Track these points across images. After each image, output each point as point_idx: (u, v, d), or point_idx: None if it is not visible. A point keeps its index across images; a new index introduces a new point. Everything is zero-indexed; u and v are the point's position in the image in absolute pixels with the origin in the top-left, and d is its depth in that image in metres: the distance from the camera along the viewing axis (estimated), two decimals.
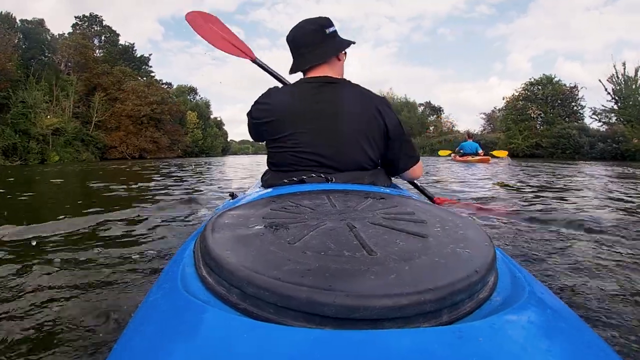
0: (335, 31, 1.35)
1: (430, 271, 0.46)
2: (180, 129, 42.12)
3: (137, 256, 1.64)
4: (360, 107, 1.26)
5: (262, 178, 1.38)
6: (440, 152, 20.88)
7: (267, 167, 1.37)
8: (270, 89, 1.36)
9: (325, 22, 1.34)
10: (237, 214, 0.69)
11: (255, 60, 2.40)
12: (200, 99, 61.23)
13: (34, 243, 1.84)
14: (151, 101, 38.03)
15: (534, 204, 3.49)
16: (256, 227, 0.60)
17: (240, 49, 2.47)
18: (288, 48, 1.38)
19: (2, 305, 1.17)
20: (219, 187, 4.19)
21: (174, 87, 54.06)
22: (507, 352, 0.38)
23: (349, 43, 1.37)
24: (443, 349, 0.36)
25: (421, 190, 2.15)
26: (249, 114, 1.35)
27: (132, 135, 36.92)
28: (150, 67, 48.44)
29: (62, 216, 2.41)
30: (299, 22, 1.36)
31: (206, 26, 2.29)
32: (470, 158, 13.41)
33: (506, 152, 17.61)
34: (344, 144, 1.23)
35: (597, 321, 1.22)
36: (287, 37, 1.37)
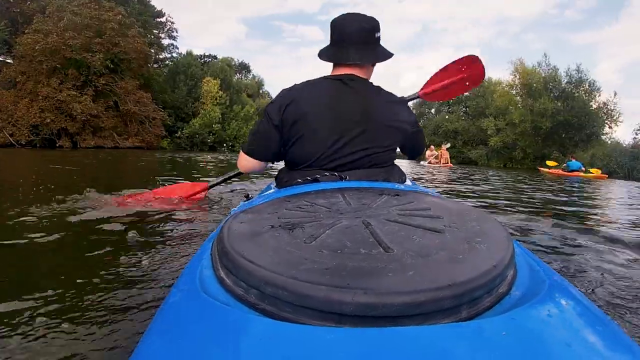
0: (380, 37, 1.34)
1: (448, 267, 0.45)
2: (146, 98, 23.99)
3: (155, 258, 1.66)
4: (381, 107, 1.27)
5: (276, 178, 1.39)
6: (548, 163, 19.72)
7: (280, 168, 1.38)
8: (290, 88, 1.31)
9: (377, 26, 1.32)
10: (252, 214, 0.70)
11: (208, 188, 2.85)
12: (253, 77, 46.69)
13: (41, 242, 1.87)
14: (95, 29, 20.57)
15: None
16: (272, 228, 0.61)
17: (194, 193, 2.85)
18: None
19: (12, 302, 1.19)
20: (232, 188, 4.21)
21: (219, 58, 36.94)
22: (527, 346, 0.37)
23: (390, 55, 1.36)
24: (463, 345, 0.36)
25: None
26: (267, 113, 1.29)
27: (45, 99, 19.56)
28: (166, 27, 32.85)
29: (72, 215, 2.45)
30: (353, 14, 1.33)
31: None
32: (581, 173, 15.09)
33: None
34: (367, 144, 1.24)
35: (622, 316, 1.19)
36: (335, 22, 1.32)
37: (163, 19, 33.20)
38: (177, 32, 34.58)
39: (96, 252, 1.74)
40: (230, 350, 0.39)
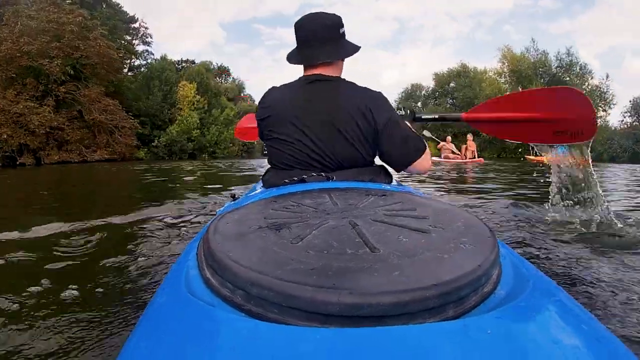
0: (344, 32, 1.34)
1: (434, 267, 0.46)
2: (114, 105, 22.03)
3: (140, 260, 1.64)
4: (353, 104, 1.25)
5: (262, 178, 1.38)
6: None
7: (267, 168, 1.38)
8: (270, 89, 1.36)
9: (341, 21, 1.32)
10: (239, 215, 0.69)
11: None
12: (233, 80, 44.72)
13: (28, 246, 1.84)
14: (53, 33, 18.78)
15: None
16: (258, 228, 0.60)
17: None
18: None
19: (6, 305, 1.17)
20: (219, 188, 4.19)
21: (197, 63, 35.78)
22: (513, 344, 0.38)
23: (358, 48, 1.36)
24: (449, 344, 0.36)
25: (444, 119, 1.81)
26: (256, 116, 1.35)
27: (0, 113, 17.50)
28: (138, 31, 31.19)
29: (59, 219, 2.41)
30: (314, 13, 1.33)
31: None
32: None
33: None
34: (340, 142, 1.23)
35: (604, 313, 1.22)
36: (298, 24, 1.33)
37: (136, 25, 31.53)
38: (151, 37, 32.93)
39: (82, 255, 1.72)
40: (215, 351, 0.38)
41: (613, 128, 24.08)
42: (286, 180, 1.19)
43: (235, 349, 0.38)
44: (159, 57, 31.48)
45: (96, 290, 1.32)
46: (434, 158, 15.03)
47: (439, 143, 15.66)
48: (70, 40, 19.20)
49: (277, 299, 0.42)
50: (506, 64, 27.90)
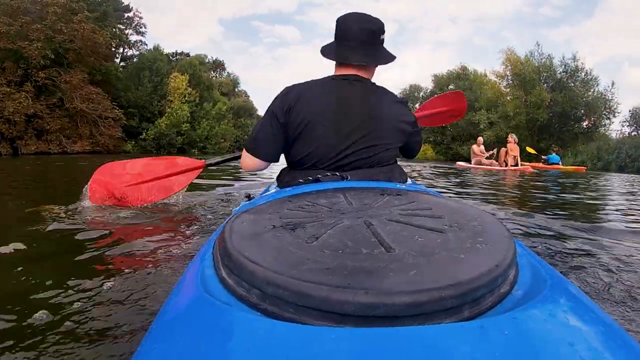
0: (384, 39, 1.33)
1: (450, 267, 0.45)
2: (97, 93, 20.45)
3: (156, 259, 1.66)
4: (388, 108, 1.28)
5: (277, 178, 1.39)
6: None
7: (282, 168, 1.38)
8: (293, 85, 1.30)
9: (383, 27, 1.31)
10: (254, 214, 0.70)
11: (207, 166, 2.62)
12: (228, 74, 44.00)
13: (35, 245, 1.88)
14: (36, 14, 17.58)
15: None
16: (274, 228, 0.61)
17: (186, 171, 2.57)
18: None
19: (18, 304, 1.20)
20: (235, 188, 4.22)
21: (192, 56, 34.77)
22: (529, 346, 0.37)
23: (393, 58, 1.35)
24: (465, 345, 0.36)
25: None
26: (273, 112, 1.28)
27: None
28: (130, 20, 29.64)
29: (65, 213, 2.45)
30: (360, 13, 1.31)
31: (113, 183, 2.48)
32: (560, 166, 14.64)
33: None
34: (372, 143, 1.24)
35: (621, 314, 1.19)
36: (341, 19, 1.31)
37: (130, 14, 30.11)
38: (145, 27, 31.44)
39: (96, 252, 1.74)
40: (231, 350, 0.39)
41: (615, 137, 23.28)
42: (301, 180, 1.19)
43: (250, 348, 0.38)
44: (152, 48, 29.73)
45: (112, 289, 1.34)
46: (460, 163, 13.55)
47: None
48: (53, 22, 17.75)
49: (292, 299, 0.42)
50: (509, 67, 27.05)
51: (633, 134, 23.76)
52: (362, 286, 0.41)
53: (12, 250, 1.73)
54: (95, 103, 20.39)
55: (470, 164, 12.57)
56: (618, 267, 1.60)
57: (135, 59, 29.67)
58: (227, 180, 4.96)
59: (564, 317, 0.43)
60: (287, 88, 1.30)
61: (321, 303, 0.40)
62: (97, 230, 2.14)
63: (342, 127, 1.22)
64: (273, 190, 1.29)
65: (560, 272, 0.59)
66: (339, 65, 1.33)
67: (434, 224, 0.60)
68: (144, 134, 25.37)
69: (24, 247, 1.78)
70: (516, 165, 12.09)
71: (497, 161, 12.43)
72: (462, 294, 0.41)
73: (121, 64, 29.09)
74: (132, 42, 31.04)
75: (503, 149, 12.39)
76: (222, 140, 31.21)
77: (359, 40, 1.27)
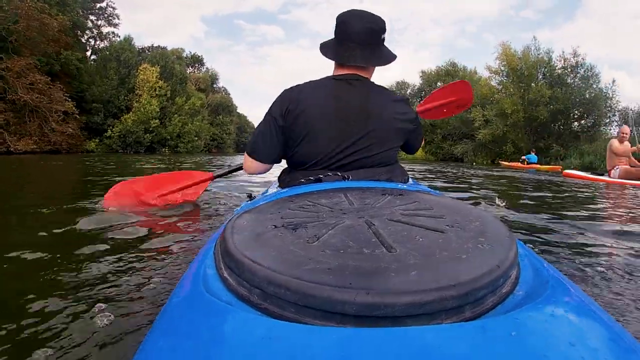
0: (385, 38, 1.31)
1: (452, 267, 0.45)
2: (45, 82, 17.43)
3: (157, 259, 1.67)
4: (388, 107, 1.27)
5: (279, 178, 1.39)
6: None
7: (283, 168, 1.38)
8: (294, 87, 1.30)
9: (385, 27, 1.28)
10: (255, 214, 0.70)
11: (214, 178, 2.69)
12: (207, 70, 41.98)
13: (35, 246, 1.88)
14: None
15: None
16: (275, 227, 0.61)
17: (196, 183, 2.65)
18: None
19: (18, 307, 1.20)
20: (236, 188, 4.22)
21: (169, 50, 32.60)
22: (531, 346, 0.37)
23: (394, 57, 1.33)
24: (467, 345, 0.36)
25: None
26: (271, 114, 1.28)
27: None
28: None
29: (68, 217, 2.46)
30: (361, 11, 1.28)
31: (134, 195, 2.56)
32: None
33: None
34: (372, 143, 1.24)
35: (623, 315, 1.19)
36: (342, 18, 1.27)
37: (103, 4, 27.92)
38: (118, 18, 28.98)
39: (96, 252, 1.75)
40: (232, 349, 0.39)
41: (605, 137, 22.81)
42: (302, 180, 1.19)
43: (252, 347, 0.38)
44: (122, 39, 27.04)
45: (112, 288, 1.34)
46: (599, 177, 7.93)
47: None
48: None
49: (293, 298, 0.42)
50: (505, 61, 26.35)
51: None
52: (364, 286, 0.41)
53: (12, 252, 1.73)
54: (43, 94, 17.31)
55: (614, 177, 7.34)
56: (621, 268, 1.60)
57: (106, 52, 27.08)
58: (228, 180, 4.96)
59: (566, 317, 0.42)
60: (285, 90, 1.29)
61: (322, 303, 0.40)
62: (97, 230, 2.15)
63: (342, 127, 1.22)
64: (274, 190, 1.29)
65: (562, 273, 0.59)
66: (338, 65, 1.32)
67: (435, 224, 0.60)
68: (109, 131, 23.25)
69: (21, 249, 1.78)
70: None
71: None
72: (464, 294, 0.41)
73: (92, 57, 26.97)
74: (105, 33, 28.72)
75: None
76: (196, 138, 28.93)
77: (360, 40, 1.24)
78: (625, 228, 2.43)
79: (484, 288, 0.43)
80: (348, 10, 1.29)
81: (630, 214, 3.26)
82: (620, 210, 3.62)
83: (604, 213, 3.40)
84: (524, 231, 2.31)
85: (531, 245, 1.93)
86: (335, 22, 1.30)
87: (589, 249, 1.92)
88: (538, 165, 15.89)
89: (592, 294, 1.33)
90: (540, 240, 2.09)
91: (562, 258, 1.74)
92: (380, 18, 1.29)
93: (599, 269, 1.58)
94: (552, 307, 0.43)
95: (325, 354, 0.36)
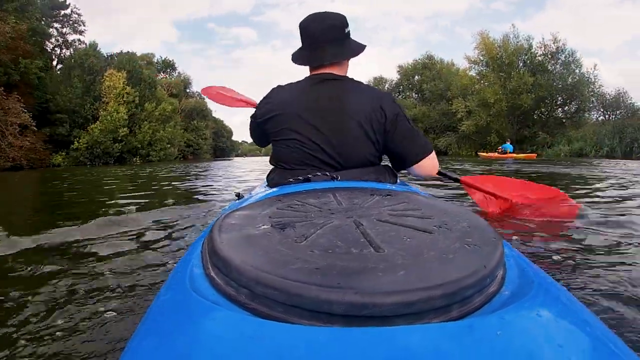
0: (349, 31, 1.33)
1: (439, 267, 0.46)
2: None
3: (146, 258, 1.65)
4: (363, 103, 1.25)
5: (267, 177, 1.39)
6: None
7: (272, 166, 1.38)
8: (274, 88, 1.36)
9: (346, 21, 1.31)
10: (243, 214, 0.69)
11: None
12: (179, 74, 40.79)
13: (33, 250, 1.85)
14: None
15: None
16: (263, 227, 0.60)
17: (247, 102, 2.53)
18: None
19: (10, 313, 1.18)
20: (224, 188, 4.20)
21: (139, 55, 31.08)
22: (518, 345, 0.37)
23: (363, 47, 1.36)
24: (454, 344, 0.36)
25: (444, 175, 1.78)
26: (252, 115, 1.40)
27: None
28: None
29: (61, 221, 2.43)
30: (319, 13, 1.31)
31: (218, 95, 2.49)
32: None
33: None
34: (348, 141, 1.23)
35: (607, 314, 1.21)
36: (303, 25, 1.31)
37: (67, 11, 26.61)
38: (84, 25, 27.82)
39: (84, 250, 1.73)
40: (219, 349, 0.38)
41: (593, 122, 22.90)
42: (291, 180, 1.19)
43: (239, 347, 0.38)
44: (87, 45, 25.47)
45: (100, 288, 1.32)
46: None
47: None
48: None
49: (281, 298, 0.42)
50: (484, 51, 26.09)
51: (600, 118, 23.31)
52: (352, 286, 0.41)
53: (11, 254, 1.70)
54: None
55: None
56: (604, 267, 1.62)
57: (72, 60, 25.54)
58: (217, 179, 4.93)
59: (551, 317, 0.43)
60: (271, 90, 1.36)
61: (310, 303, 0.40)
62: (85, 229, 2.12)
63: (318, 126, 1.23)
64: (263, 190, 1.29)
65: (547, 273, 0.60)
66: (313, 68, 1.34)
67: (423, 224, 0.61)
68: (75, 142, 21.83)
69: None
70: None
71: None
72: (451, 294, 0.41)
73: (58, 66, 25.76)
74: (70, 41, 27.48)
75: None
76: (169, 145, 27.17)
77: (326, 39, 1.28)
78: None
79: (470, 287, 0.43)
80: (306, 17, 1.33)
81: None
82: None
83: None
84: (510, 231, 2.34)
85: (518, 245, 1.96)
86: (299, 31, 1.33)
87: (574, 246, 1.95)
88: (514, 155, 16.46)
89: (576, 292, 1.35)
90: (527, 239, 2.12)
91: (548, 257, 1.77)
92: (338, 14, 1.32)
93: (584, 267, 1.61)
94: (537, 306, 0.44)
95: (313, 354, 0.35)
